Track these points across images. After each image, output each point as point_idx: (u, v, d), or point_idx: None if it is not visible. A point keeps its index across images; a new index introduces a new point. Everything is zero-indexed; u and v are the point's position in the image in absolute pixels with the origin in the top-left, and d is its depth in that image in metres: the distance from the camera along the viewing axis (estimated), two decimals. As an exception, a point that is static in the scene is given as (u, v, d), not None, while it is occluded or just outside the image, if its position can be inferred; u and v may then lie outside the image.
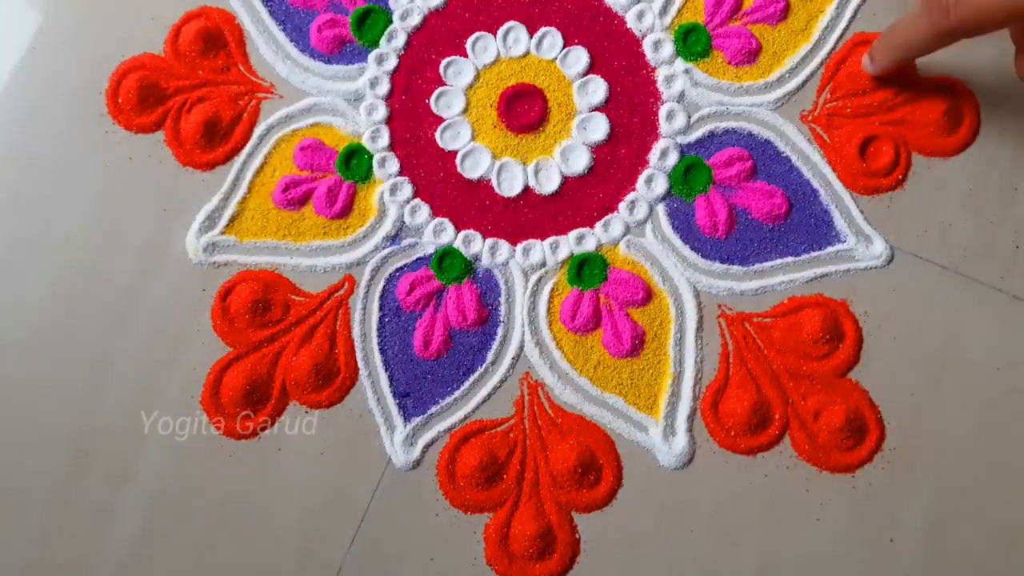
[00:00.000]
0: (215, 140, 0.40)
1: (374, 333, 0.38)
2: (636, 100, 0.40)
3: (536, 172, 0.40)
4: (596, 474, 0.36)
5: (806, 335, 0.37)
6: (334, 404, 0.37)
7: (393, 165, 0.40)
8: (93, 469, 0.36)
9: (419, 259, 0.39)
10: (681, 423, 0.37)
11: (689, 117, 0.40)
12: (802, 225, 0.38)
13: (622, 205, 0.39)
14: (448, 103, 0.40)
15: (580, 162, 0.40)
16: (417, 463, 0.37)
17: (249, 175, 0.39)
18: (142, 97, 0.40)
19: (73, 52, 0.40)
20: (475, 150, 0.40)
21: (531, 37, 0.41)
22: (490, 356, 0.38)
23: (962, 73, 0.39)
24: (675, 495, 0.36)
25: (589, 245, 0.39)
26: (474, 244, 0.39)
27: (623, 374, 0.37)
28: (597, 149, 0.40)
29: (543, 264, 0.39)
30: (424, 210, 0.39)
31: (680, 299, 0.38)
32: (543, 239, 0.39)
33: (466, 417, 0.37)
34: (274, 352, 0.38)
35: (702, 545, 0.36)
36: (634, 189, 0.39)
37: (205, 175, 0.39)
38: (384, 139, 0.40)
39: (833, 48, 0.40)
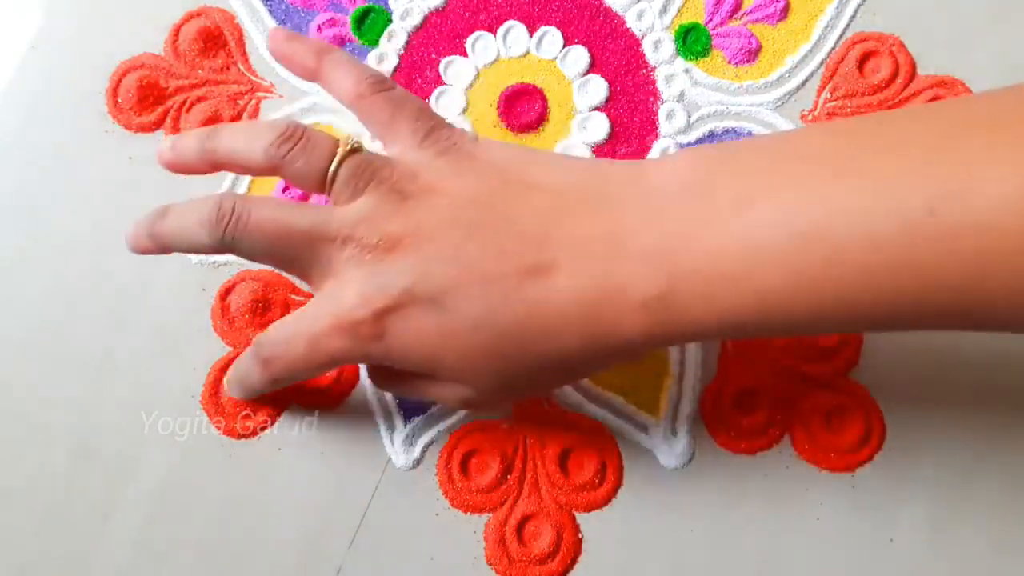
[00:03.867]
0: (215, 140, 0.39)
1: (374, 333, 0.38)
2: (636, 100, 0.40)
3: (536, 172, 0.39)
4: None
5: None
6: (334, 404, 0.37)
7: (393, 165, 0.40)
8: (93, 469, 0.36)
9: (419, 259, 0.39)
10: (682, 423, 0.37)
11: (689, 116, 0.40)
12: (802, 225, 0.38)
13: (622, 205, 0.39)
14: (448, 103, 0.40)
15: (580, 162, 0.39)
16: (417, 463, 0.36)
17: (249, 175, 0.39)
18: (142, 96, 0.40)
19: (73, 52, 0.40)
20: (475, 150, 0.40)
21: (531, 37, 0.41)
22: (490, 356, 0.38)
23: (960, 72, 0.39)
24: (675, 495, 0.36)
25: (589, 245, 0.39)
26: (474, 244, 0.39)
27: (623, 374, 0.37)
28: (597, 149, 0.40)
29: (543, 264, 0.39)
30: (424, 210, 0.39)
31: (680, 299, 0.38)
32: (543, 239, 0.39)
33: (466, 416, 0.37)
34: (274, 352, 0.37)
35: (702, 545, 0.36)
36: (634, 189, 0.39)
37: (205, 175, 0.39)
38: (384, 139, 0.40)
39: (833, 48, 0.40)
